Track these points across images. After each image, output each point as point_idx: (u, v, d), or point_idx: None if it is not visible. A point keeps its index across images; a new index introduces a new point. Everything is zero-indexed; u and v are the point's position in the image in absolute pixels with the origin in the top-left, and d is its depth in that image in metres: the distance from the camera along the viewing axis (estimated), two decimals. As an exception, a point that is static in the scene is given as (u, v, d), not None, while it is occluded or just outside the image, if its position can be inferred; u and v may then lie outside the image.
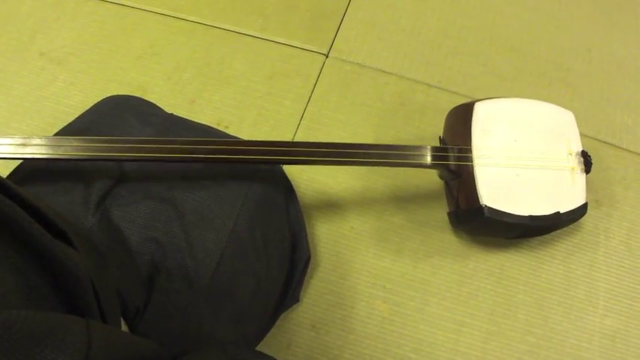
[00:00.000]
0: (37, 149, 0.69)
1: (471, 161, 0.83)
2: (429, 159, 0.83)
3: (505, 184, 0.82)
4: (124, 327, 0.58)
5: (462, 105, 0.91)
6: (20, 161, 0.73)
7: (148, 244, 0.65)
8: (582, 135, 0.89)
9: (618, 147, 1.06)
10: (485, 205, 0.80)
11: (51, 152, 0.69)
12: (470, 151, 0.84)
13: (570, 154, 0.87)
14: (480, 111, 0.87)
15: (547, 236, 0.94)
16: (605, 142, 1.06)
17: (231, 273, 0.68)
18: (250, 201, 0.72)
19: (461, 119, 0.89)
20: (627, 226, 0.97)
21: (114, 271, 0.61)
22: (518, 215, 0.80)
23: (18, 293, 0.36)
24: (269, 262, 0.76)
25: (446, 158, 0.84)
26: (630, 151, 1.06)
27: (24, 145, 0.69)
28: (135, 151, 0.71)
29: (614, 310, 0.90)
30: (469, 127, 0.86)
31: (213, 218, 0.68)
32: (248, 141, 0.77)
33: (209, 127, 0.85)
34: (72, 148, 0.69)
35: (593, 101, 1.12)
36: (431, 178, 0.99)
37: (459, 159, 0.84)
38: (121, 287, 0.61)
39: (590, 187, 0.86)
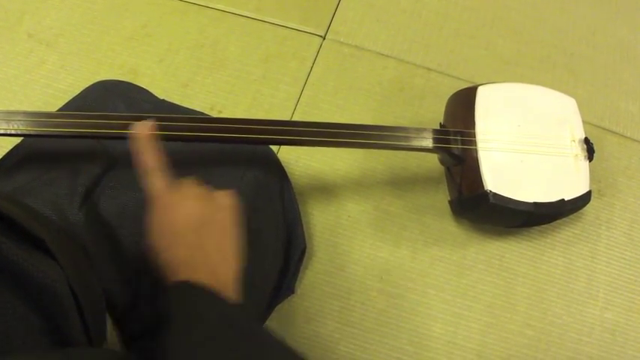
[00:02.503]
0: (20, 125, 0.66)
1: (475, 145, 0.80)
2: (430, 142, 0.80)
3: (510, 169, 0.80)
4: (111, 328, 0.56)
5: (464, 89, 0.89)
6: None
7: (138, 237, 0.63)
8: (585, 122, 0.87)
9: (622, 135, 1.04)
10: (490, 191, 0.78)
11: (35, 128, 0.66)
12: (473, 135, 0.81)
13: (574, 140, 0.85)
14: (483, 95, 0.85)
15: (548, 226, 0.93)
16: (608, 130, 1.04)
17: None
18: (243, 193, 0.69)
19: (463, 103, 0.86)
20: (630, 217, 0.96)
21: (100, 269, 0.58)
22: (523, 202, 0.78)
23: None
24: (263, 254, 0.74)
25: (448, 142, 0.81)
26: (634, 140, 1.03)
27: (7, 120, 0.66)
28: (122, 128, 0.68)
29: (615, 303, 0.88)
30: (472, 111, 0.83)
31: (205, 210, 0.66)
32: (243, 119, 0.74)
33: (202, 113, 0.82)
34: (56, 124, 0.66)
35: (597, 87, 1.09)
36: (430, 165, 0.96)
37: (462, 143, 0.81)
38: (108, 284, 0.59)
39: (592, 176, 0.84)
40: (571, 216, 0.92)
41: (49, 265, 0.40)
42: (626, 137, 1.04)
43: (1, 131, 0.66)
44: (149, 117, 0.69)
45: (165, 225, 0.54)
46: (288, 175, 0.83)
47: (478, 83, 0.87)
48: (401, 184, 0.96)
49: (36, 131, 0.66)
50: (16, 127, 0.66)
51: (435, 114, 1.01)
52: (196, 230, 0.53)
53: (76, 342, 0.41)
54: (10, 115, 0.66)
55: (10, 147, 0.72)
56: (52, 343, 0.39)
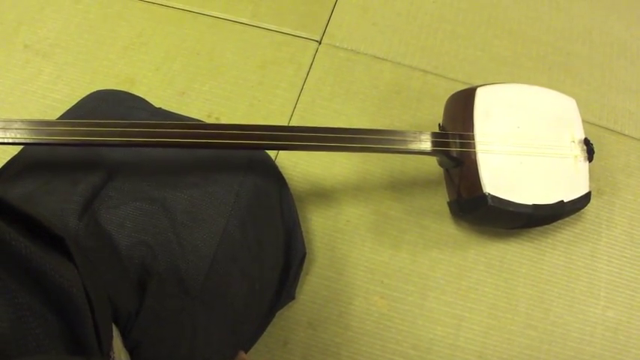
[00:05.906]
0: (18, 133, 0.66)
1: (474, 147, 0.80)
2: (429, 145, 0.80)
3: (508, 171, 0.80)
4: (116, 334, 0.56)
5: (463, 90, 0.88)
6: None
7: (138, 247, 0.62)
8: (583, 121, 0.87)
9: (620, 133, 1.03)
10: (489, 194, 0.78)
11: (33, 137, 0.66)
12: (472, 137, 0.81)
13: (573, 141, 0.84)
14: (482, 96, 0.84)
15: (548, 226, 0.92)
16: (606, 129, 1.04)
17: (224, 274, 0.65)
18: (242, 199, 0.70)
19: (462, 105, 0.86)
20: (629, 215, 0.95)
21: (104, 277, 0.58)
22: (522, 204, 0.78)
23: (4, 314, 0.35)
24: (263, 261, 0.74)
25: (447, 144, 0.81)
26: (632, 138, 1.03)
27: (4, 129, 0.66)
28: (123, 135, 0.68)
29: (616, 301, 0.88)
30: (471, 112, 0.83)
31: (205, 218, 0.66)
32: (240, 125, 0.74)
33: (199, 121, 0.82)
34: (53, 132, 0.67)
35: (594, 86, 1.09)
36: (428, 168, 0.96)
37: (461, 145, 0.81)
38: (112, 293, 0.58)
39: (591, 175, 0.84)
40: (572, 215, 0.92)
41: (65, 266, 0.40)
42: (624, 135, 1.03)
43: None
44: (146, 124, 0.70)
45: None
46: (287, 180, 0.83)
47: (477, 84, 0.87)
48: (400, 187, 0.96)
49: (34, 140, 0.66)
50: (13, 135, 0.66)
51: (432, 116, 1.01)
52: None
53: (89, 345, 0.41)
54: (7, 123, 0.66)
55: (8, 158, 0.72)
56: (68, 345, 0.39)
